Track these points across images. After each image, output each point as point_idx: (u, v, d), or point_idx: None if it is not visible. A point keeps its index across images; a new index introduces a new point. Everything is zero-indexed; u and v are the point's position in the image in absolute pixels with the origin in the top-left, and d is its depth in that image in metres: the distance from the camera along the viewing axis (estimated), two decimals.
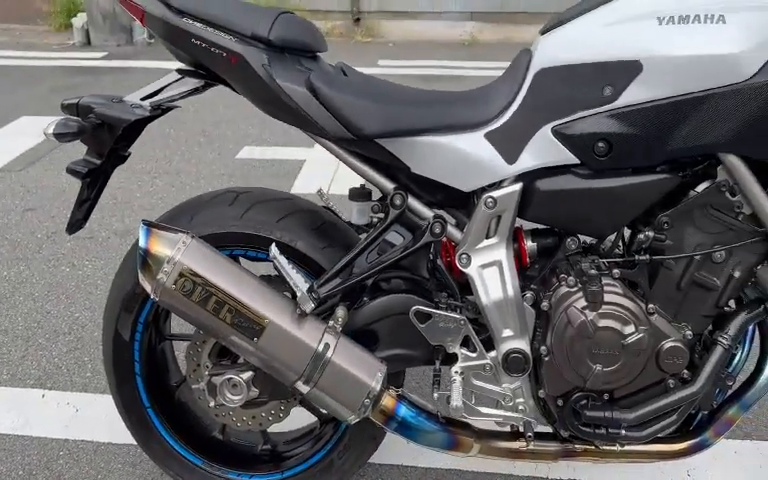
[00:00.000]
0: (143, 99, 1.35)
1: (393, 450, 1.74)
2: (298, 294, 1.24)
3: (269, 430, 1.60)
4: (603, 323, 1.25)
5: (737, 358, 1.40)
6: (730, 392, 1.37)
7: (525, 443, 1.40)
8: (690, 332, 1.27)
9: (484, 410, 1.35)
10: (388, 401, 1.31)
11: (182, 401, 1.62)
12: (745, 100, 1.10)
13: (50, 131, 1.28)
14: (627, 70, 1.15)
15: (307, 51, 1.30)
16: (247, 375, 1.37)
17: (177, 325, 1.68)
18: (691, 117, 1.13)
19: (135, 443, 1.74)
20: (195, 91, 1.38)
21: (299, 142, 3.86)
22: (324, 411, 1.45)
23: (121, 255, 2.59)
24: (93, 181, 1.38)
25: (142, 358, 1.49)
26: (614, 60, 1.16)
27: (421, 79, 5.25)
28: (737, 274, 1.24)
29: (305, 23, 1.31)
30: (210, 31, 1.24)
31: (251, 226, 1.37)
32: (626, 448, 1.38)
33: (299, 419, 1.70)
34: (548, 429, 1.41)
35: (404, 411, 1.33)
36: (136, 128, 1.34)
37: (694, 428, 1.40)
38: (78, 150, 1.31)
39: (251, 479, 1.56)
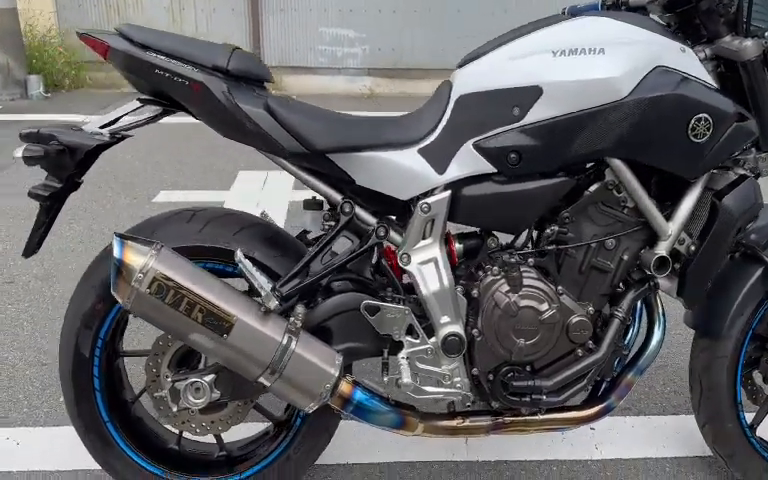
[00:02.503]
0: (101, 127, 1.47)
1: (339, 450, 1.88)
2: (263, 293, 1.38)
3: (224, 438, 1.69)
4: (523, 303, 1.48)
5: (630, 332, 1.67)
6: (626, 361, 1.64)
7: (462, 420, 1.60)
8: (592, 308, 1.53)
9: (428, 389, 1.53)
10: (345, 387, 1.46)
11: (137, 416, 1.68)
12: (623, 114, 1.39)
13: (18, 155, 1.37)
14: (530, 94, 1.41)
15: (258, 81, 1.48)
16: (209, 377, 1.48)
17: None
18: (582, 129, 1.41)
19: (83, 469, 1.79)
20: (153, 118, 1.50)
21: (215, 185, 3.96)
22: (276, 414, 1.57)
23: (44, 298, 2.62)
24: (50, 206, 1.48)
25: (101, 374, 1.56)
26: (520, 86, 1.42)
27: None
28: (625, 258, 1.52)
29: (255, 57, 1.48)
30: (174, 62, 1.39)
31: (210, 239, 1.50)
32: (546, 416, 1.61)
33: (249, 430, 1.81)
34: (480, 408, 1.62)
35: (359, 395, 1.48)
36: (94, 154, 1.45)
37: (600, 395, 1.65)
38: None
39: None
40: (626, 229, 1.51)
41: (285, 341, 1.38)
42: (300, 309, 1.43)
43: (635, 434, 2.04)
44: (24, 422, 2.00)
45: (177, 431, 1.68)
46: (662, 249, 1.49)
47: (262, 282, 1.39)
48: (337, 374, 1.42)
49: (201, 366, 1.54)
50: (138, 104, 1.51)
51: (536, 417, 1.61)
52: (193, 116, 1.47)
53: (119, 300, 1.34)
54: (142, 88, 1.49)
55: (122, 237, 1.34)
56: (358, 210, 1.49)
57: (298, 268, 1.44)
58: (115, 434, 1.59)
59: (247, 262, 1.39)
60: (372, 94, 7.51)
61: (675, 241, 1.50)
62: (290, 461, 1.64)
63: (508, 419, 1.61)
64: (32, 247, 1.52)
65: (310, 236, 1.71)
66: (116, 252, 1.31)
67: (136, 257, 1.31)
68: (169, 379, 1.50)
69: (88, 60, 7.24)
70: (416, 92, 7.70)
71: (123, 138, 1.49)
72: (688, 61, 1.43)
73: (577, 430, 1.97)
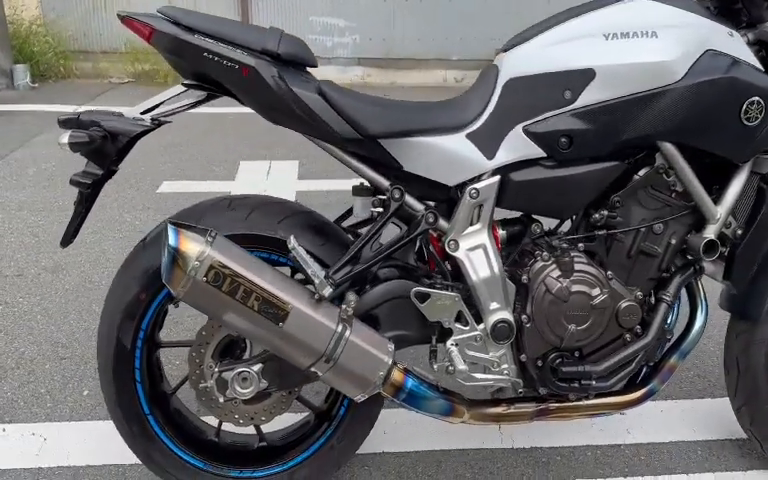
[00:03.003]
0: (142, 113, 1.43)
1: (374, 439, 1.87)
2: (316, 281, 1.36)
3: (263, 429, 1.67)
4: (575, 288, 1.47)
5: (671, 316, 1.68)
6: (668, 345, 1.65)
7: (507, 407, 1.59)
8: (640, 293, 1.53)
9: (479, 376, 1.52)
10: (397, 375, 1.45)
11: (175, 408, 1.65)
12: (677, 98, 1.38)
13: (64, 141, 1.33)
14: (583, 77, 1.40)
15: (305, 65, 1.45)
16: (257, 367, 1.45)
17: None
18: (636, 113, 1.40)
19: (113, 463, 1.76)
20: (196, 104, 1.47)
21: (219, 175, 3.91)
22: (316, 403, 1.54)
23: (56, 290, 2.57)
24: (90, 194, 1.44)
25: (142, 366, 1.53)
26: (572, 69, 1.41)
27: None
28: (673, 242, 1.52)
29: (302, 41, 1.45)
30: (223, 46, 1.35)
31: (256, 227, 1.47)
32: (590, 402, 1.61)
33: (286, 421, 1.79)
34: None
35: (411, 383, 1.47)
36: (134, 141, 1.41)
37: (641, 380, 1.65)
38: None
39: (253, 474, 1.61)
40: (674, 213, 1.51)
41: (339, 329, 1.36)
42: (351, 296, 1.41)
43: (664, 418, 2.05)
44: (49, 417, 1.95)
45: (216, 423, 1.65)
46: (711, 233, 1.49)
47: (316, 269, 1.36)
48: (390, 362, 1.41)
49: (247, 356, 1.51)
50: (181, 89, 1.47)
51: (580, 403, 1.60)
52: (239, 101, 1.44)
53: (172, 289, 1.31)
54: (185, 72, 1.45)
55: (175, 224, 1.30)
56: (407, 196, 1.47)
57: (351, 255, 1.42)
58: (156, 427, 1.56)
59: (301, 249, 1.36)
60: (365, 83, 7.45)
61: (723, 225, 1.50)
62: (333, 451, 1.62)
63: (553, 405, 1.60)
64: (69, 236, 1.48)
65: (346, 223, 1.69)
66: (171, 240, 1.27)
67: (192, 245, 1.28)
68: (215, 369, 1.47)
69: (74, 50, 7.11)
70: (407, 82, 7.68)
71: (161, 124, 1.46)
72: (736, 45, 1.43)
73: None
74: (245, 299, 1.30)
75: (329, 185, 3.79)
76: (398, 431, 1.94)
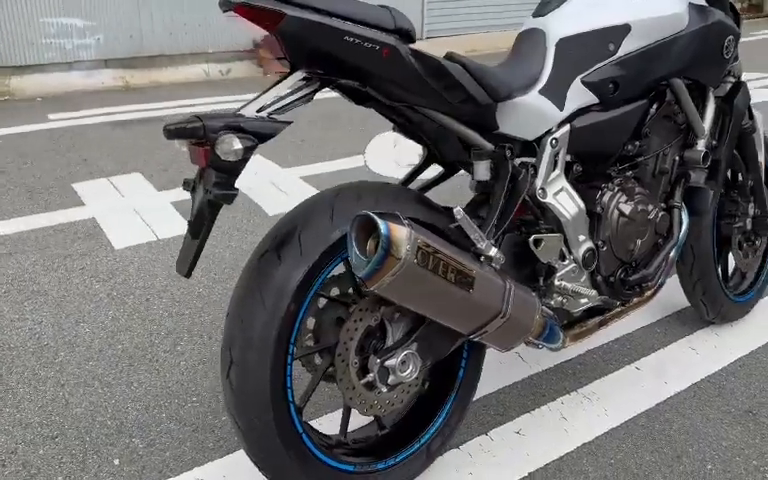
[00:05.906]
0: (258, 111, 1.32)
1: None
2: (482, 244, 1.42)
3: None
4: (640, 207, 1.77)
5: None
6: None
7: (580, 326, 1.83)
8: (662, 204, 1.90)
9: (581, 303, 1.74)
10: (539, 317, 1.58)
11: (305, 420, 1.54)
12: (687, 41, 1.76)
13: (239, 146, 1.20)
14: (622, 31, 1.69)
15: (413, 40, 1.46)
16: (415, 346, 1.46)
17: None
18: (661, 56, 1.74)
19: None
20: (311, 94, 1.38)
21: (60, 203, 3.37)
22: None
23: None
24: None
25: (291, 383, 1.41)
26: (613, 25, 1.68)
27: (115, 124, 4.92)
28: (676, 159, 1.91)
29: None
30: (362, 28, 1.31)
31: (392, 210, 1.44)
32: (630, 304, 1.93)
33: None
34: None
35: (549, 322, 1.62)
36: None
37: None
38: None
39: (396, 460, 1.60)
40: (676, 136, 1.89)
41: (508, 284, 1.45)
42: (498, 254, 1.49)
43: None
44: None
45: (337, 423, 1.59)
46: (702, 146, 1.91)
47: (480, 233, 1.43)
48: (540, 304, 1.54)
49: (389, 343, 1.48)
50: (293, 81, 1.36)
51: (623, 307, 1.92)
52: (359, 85, 1.39)
53: (373, 283, 1.25)
54: (303, 60, 1.34)
55: (377, 214, 1.25)
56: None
57: (497, 216, 1.50)
58: (310, 443, 1.46)
59: (466, 217, 1.41)
60: (128, 87, 6.83)
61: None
62: (458, 411, 1.69)
63: (608, 315, 1.89)
64: (194, 263, 1.32)
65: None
66: (383, 230, 1.22)
67: (400, 230, 1.24)
68: (378, 359, 1.43)
69: None
70: (169, 80, 7.25)
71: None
72: None
73: None
74: (445, 273, 1.32)
75: None
76: None
